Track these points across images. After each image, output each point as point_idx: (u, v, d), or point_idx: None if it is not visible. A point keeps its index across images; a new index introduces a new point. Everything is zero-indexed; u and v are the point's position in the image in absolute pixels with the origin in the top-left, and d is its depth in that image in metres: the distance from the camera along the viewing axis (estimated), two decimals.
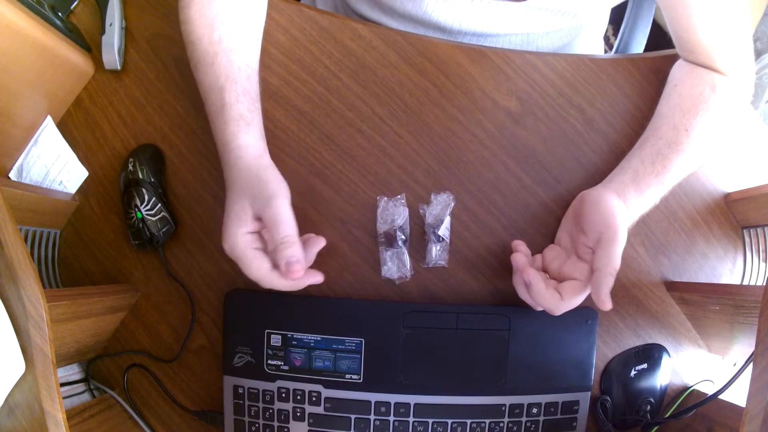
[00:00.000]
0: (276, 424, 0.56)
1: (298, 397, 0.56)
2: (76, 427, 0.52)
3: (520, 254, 0.53)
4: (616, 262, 0.48)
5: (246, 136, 0.51)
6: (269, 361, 0.56)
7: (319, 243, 0.54)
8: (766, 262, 0.62)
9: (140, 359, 0.60)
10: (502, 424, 0.56)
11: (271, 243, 0.47)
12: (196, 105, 0.61)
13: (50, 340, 0.39)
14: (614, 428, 0.59)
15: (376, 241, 0.58)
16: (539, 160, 0.60)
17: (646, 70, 0.62)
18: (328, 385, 0.56)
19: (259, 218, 0.48)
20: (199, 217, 0.60)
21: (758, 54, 1.37)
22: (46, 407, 0.39)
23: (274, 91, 0.60)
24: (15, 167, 0.60)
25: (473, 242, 0.59)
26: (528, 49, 0.70)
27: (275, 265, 0.48)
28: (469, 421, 0.56)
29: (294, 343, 0.56)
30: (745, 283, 0.62)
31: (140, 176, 0.58)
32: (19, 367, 0.39)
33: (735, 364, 0.62)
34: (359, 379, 0.56)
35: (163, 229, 0.58)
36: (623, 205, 0.52)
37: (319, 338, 0.56)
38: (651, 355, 0.60)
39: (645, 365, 0.60)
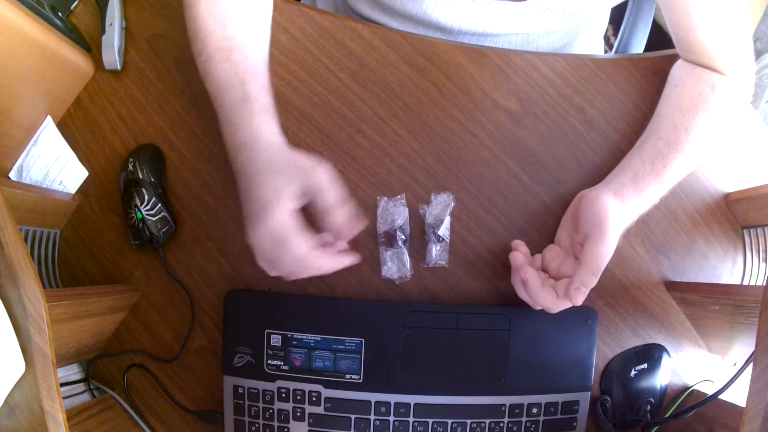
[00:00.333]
0: (276, 424, 0.56)
1: (298, 397, 0.56)
2: (76, 427, 0.52)
3: (519, 253, 0.54)
4: (600, 260, 0.49)
5: (271, 125, 0.52)
6: (269, 361, 0.56)
7: (360, 224, 0.53)
8: (766, 262, 0.62)
9: (140, 359, 0.60)
10: (502, 424, 0.56)
11: (321, 211, 0.48)
12: (196, 105, 0.61)
13: (50, 340, 0.39)
14: (614, 428, 0.59)
15: (376, 241, 0.58)
16: (539, 160, 0.60)
17: (646, 70, 0.62)
18: (328, 385, 0.56)
19: (300, 195, 0.48)
20: (199, 217, 0.60)
21: (758, 54, 1.37)
22: (46, 407, 0.39)
23: (273, 91, 0.60)
24: (15, 167, 0.60)
25: (473, 242, 0.59)
26: (528, 49, 0.70)
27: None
28: (469, 421, 0.56)
29: (294, 343, 0.56)
30: (745, 283, 0.62)
31: (140, 176, 0.58)
32: (19, 367, 0.39)
33: (735, 364, 0.62)
34: (359, 379, 0.56)
35: (163, 229, 0.58)
36: (619, 205, 0.52)
37: (319, 338, 0.56)
38: (651, 355, 0.60)
39: (645, 365, 0.60)
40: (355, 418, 0.56)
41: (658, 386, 0.60)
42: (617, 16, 0.85)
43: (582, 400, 0.57)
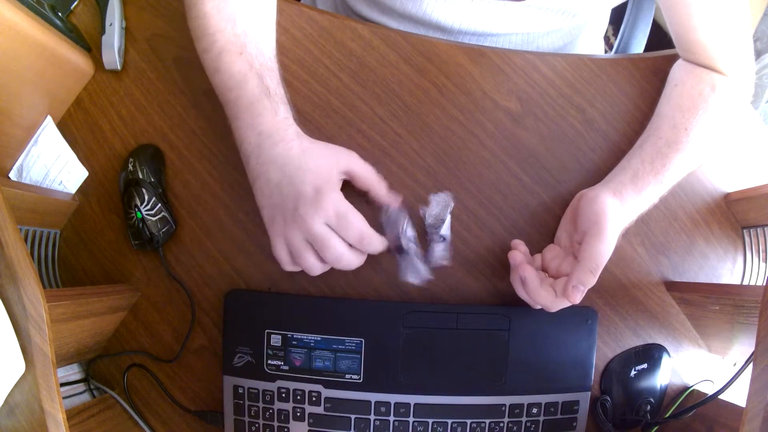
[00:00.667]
0: (276, 424, 0.56)
1: (298, 397, 0.56)
2: (76, 427, 0.52)
3: (517, 252, 0.54)
4: (598, 258, 0.49)
5: (291, 115, 0.53)
6: (269, 361, 0.56)
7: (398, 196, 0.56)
8: (766, 262, 0.62)
9: (140, 359, 0.60)
10: (502, 424, 0.56)
11: (365, 186, 0.53)
12: (196, 105, 0.61)
13: (50, 340, 0.39)
14: (614, 428, 0.59)
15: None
16: (539, 160, 0.60)
17: (646, 70, 0.62)
18: (328, 385, 0.56)
19: (343, 175, 0.52)
20: (199, 217, 0.60)
21: (758, 54, 1.37)
22: (46, 407, 0.39)
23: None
24: (15, 167, 0.60)
25: (473, 242, 0.59)
26: (528, 49, 0.70)
27: None
28: (469, 421, 0.56)
29: (294, 343, 0.56)
30: (745, 283, 0.62)
31: (140, 176, 0.58)
32: (19, 367, 0.39)
33: (735, 364, 0.62)
34: (359, 379, 0.56)
35: (163, 229, 0.58)
36: (618, 205, 0.52)
37: (319, 338, 0.56)
38: (651, 355, 0.60)
39: (645, 365, 0.60)
40: (355, 418, 0.56)
41: (658, 386, 0.60)
42: (617, 16, 0.85)
43: (582, 400, 0.57)
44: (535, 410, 0.56)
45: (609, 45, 1.17)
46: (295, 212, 0.48)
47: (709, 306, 0.56)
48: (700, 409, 0.54)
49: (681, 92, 0.58)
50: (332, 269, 0.52)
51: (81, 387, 0.59)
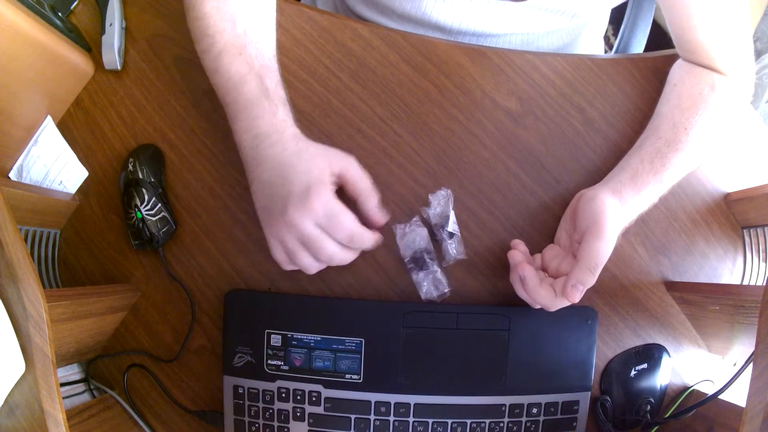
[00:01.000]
0: (276, 424, 0.56)
1: (298, 397, 0.56)
2: (76, 427, 0.52)
3: (517, 251, 0.54)
4: (597, 257, 0.49)
5: (291, 117, 0.53)
6: (269, 361, 0.56)
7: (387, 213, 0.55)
8: (766, 262, 0.62)
9: (140, 359, 0.60)
10: (502, 424, 0.56)
11: (354, 195, 0.51)
12: (196, 105, 0.61)
13: (50, 340, 0.39)
14: (614, 428, 0.59)
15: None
16: (539, 160, 0.60)
17: (646, 70, 0.62)
18: (328, 385, 0.56)
19: (335, 177, 0.50)
20: (199, 217, 0.60)
21: (758, 54, 1.37)
22: (46, 407, 0.39)
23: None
24: (15, 167, 0.60)
25: (473, 242, 0.59)
26: (528, 49, 0.70)
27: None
28: (469, 421, 0.56)
29: (294, 343, 0.56)
30: (745, 283, 0.62)
31: (140, 176, 0.58)
32: (19, 367, 0.39)
33: (735, 364, 0.62)
34: (359, 379, 0.56)
35: (163, 229, 0.58)
36: (617, 204, 0.52)
37: (319, 338, 0.56)
38: (651, 355, 0.60)
39: (645, 365, 0.60)
40: (355, 418, 0.56)
41: (658, 386, 0.60)
42: (617, 16, 0.85)
43: (582, 400, 0.57)
44: (535, 410, 0.56)
45: (609, 45, 1.17)
46: (286, 213, 0.48)
47: (709, 306, 0.56)
48: (700, 409, 0.54)
49: (681, 92, 0.58)
50: (330, 266, 0.52)
51: (81, 387, 0.59)
